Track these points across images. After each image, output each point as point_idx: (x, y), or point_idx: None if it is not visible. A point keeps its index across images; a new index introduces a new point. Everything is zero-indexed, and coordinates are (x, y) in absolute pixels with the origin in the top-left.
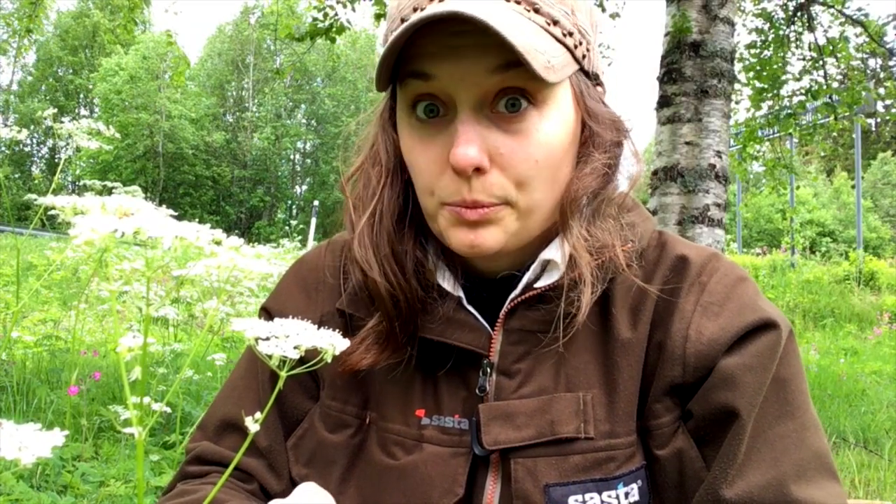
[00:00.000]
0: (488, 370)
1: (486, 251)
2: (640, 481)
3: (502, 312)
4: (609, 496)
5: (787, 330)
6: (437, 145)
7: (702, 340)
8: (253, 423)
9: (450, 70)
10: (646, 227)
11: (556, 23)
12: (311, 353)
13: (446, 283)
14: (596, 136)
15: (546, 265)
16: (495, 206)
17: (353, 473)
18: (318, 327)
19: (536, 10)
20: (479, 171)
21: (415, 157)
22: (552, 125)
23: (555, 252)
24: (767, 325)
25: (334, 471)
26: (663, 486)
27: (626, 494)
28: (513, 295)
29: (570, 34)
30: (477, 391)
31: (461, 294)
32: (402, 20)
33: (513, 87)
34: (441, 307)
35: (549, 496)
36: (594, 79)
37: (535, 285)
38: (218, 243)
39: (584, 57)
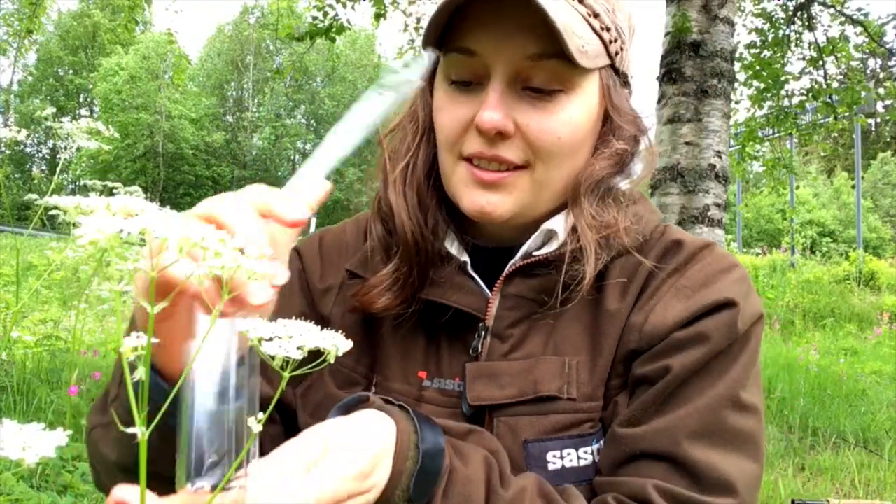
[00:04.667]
0: (483, 333)
1: (495, 218)
2: (601, 440)
3: (501, 278)
4: (585, 452)
5: (753, 317)
6: (467, 107)
7: (665, 314)
8: (256, 424)
9: (492, 47)
10: (651, 219)
11: (596, 16)
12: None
13: (453, 248)
14: (617, 129)
15: (547, 237)
16: (511, 171)
17: None
18: (341, 287)
19: (580, 1)
20: (502, 135)
21: (443, 115)
22: (578, 110)
23: (557, 224)
24: (727, 305)
25: None
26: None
27: (599, 450)
28: (512, 262)
29: (608, 29)
30: (470, 352)
31: (467, 259)
32: None
33: (546, 71)
34: (445, 271)
35: (527, 451)
36: (623, 78)
37: (535, 253)
38: (222, 243)
39: (617, 54)
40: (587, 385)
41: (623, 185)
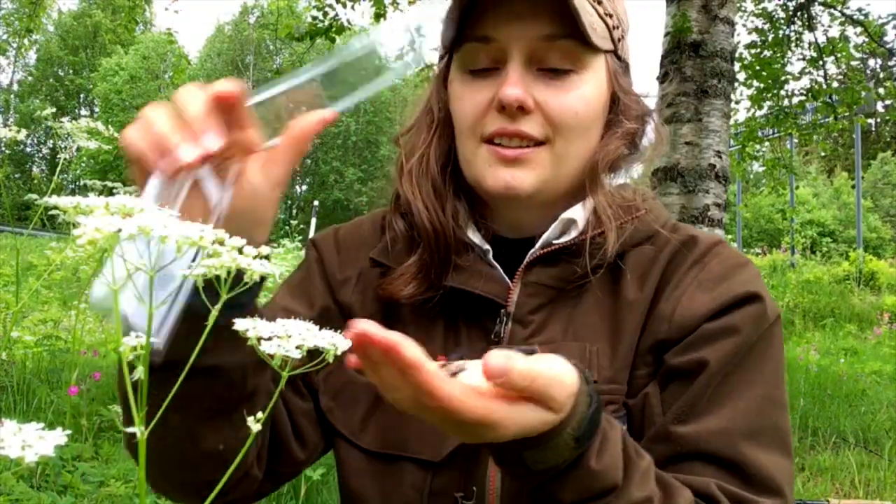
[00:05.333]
0: (505, 319)
1: (519, 193)
2: (625, 424)
3: (522, 266)
4: None
5: (774, 313)
6: (486, 90)
7: (691, 307)
8: (255, 424)
9: (507, 31)
10: (661, 213)
11: (600, 2)
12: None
13: (475, 237)
14: (626, 109)
15: (566, 226)
16: (535, 146)
17: (374, 413)
18: (360, 277)
19: None
20: (523, 110)
21: (463, 102)
22: (590, 88)
23: (576, 213)
24: (754, 298)
25: (358, 409)
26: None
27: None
28: (533, 250)
29: (610, 16)
30: (492, 337)
31: (488, 248)
32: None
33: (559, 52)
34: (467, 260)
35: None
36: (625, 65)
37: (555, 242)
38: (221, 243)
39: (619, 41)
40: (608, 370)
41: (636, 166)
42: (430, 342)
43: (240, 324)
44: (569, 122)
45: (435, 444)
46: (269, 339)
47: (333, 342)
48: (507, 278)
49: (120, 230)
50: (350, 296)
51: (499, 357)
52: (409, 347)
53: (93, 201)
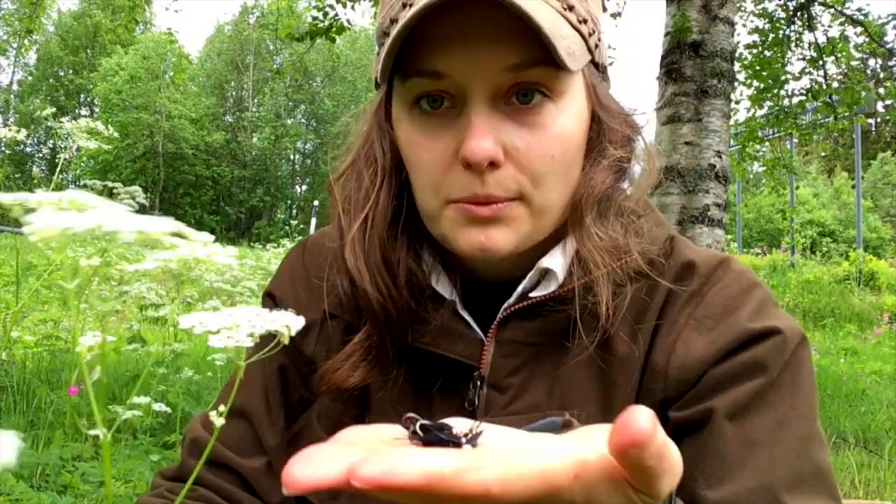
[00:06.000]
0: (478, 383)
1: (497, 254)
2: None
3: (494, 323)
4: None
5: (796, 337)
6: (445, 139)
7: (688, 354)
8: (218, 417)
9: (462, 65)
10: (658, 234)
11: (571, 8)
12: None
13: (442, 287)
14: (609, 131)
15: (544, 275)
16: (509, 201)
17: None
18: (323, 324)
19: None
20: (492, 165)
21: (418, 152)
22: (567, 118)
23: (554, 261)
24: (768, 334)
25: None
26: None
27: None
28: (507, 304)
29: (585, 21)
30: (466, 405)
31: (456, 298)
32: (405, 4)
33: (529, 81)
34: (433, 316)
35: None
36: (602, 71)
37: (531, 294)
38: (182, 237)
39: (596, 47)
40: None
41: (625, 193)
42: (401, 406)
43: (185, 320)
44: (545, 169)
45: None
46: (218, 332)
47: (286, 324)
48: (480, 333)
49: (70, 227)
50: (313, 347)
51: (647, 416)
52: (402, 471)
53: (44, 197)
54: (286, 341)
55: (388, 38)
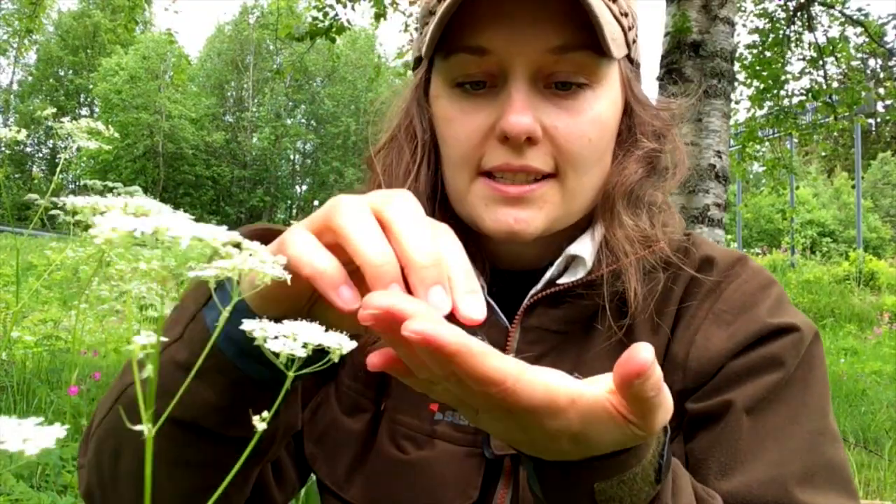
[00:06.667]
0: None
1: (525, 237)
2: None
3: (521, 309)
4: None
5: (811, 334)
6: (483, 114)
7: (707, 347)
8: (260, 423)
9: (505, 43)
10: (676, 229)
11: (614, 0)
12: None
13: None
14: (642, 124)
15: (571, 262)
16: (539, 182)
17: (361, 464)
18: None
19: None
20: (529, 141)
21: (453, 127)
22: (604, 106)
23: (583, 248)
24: (784, 330)
25: (343, 458)
26: None
27: None
28: (533, 290)
29: (626, 15)
30: None
31: (484, 284)
32: None
33: (569, 64)
34: None
35: None
36: (636, 67)
37: (559, 281)
38: (236, 246)
39: (633, 42)
40: None
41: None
42: (429, 399)
43: (247, 324)
44: (582, 152)
45: (428, 501)
46: (276, 338)
47: (339, 342)
48: (505, 320)
49: (135, 230)
50: None
51: (649, 350)
52: (447, 333)
53: (110, 201)
54: (336, 359)
55: (434, 16)
